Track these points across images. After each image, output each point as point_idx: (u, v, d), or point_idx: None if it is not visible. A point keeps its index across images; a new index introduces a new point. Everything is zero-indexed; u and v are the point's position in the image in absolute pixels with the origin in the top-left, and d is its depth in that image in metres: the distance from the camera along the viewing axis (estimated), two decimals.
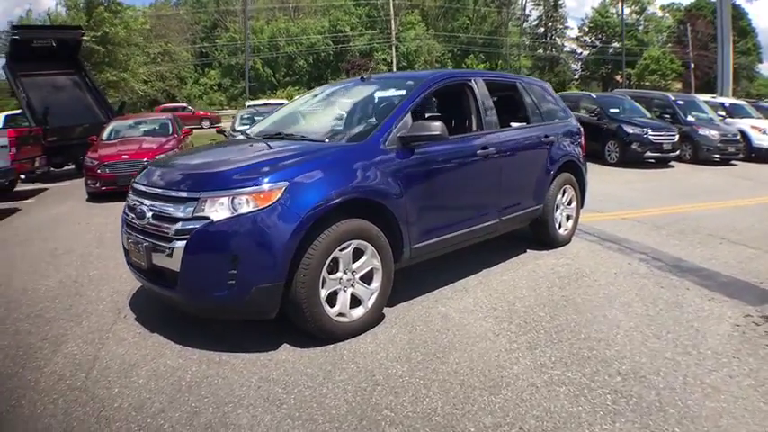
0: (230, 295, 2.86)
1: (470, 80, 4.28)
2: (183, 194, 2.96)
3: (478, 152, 4.01)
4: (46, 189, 10.26)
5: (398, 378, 2.74)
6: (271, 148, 3.48)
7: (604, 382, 2.67)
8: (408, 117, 3.55)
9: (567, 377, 2.72)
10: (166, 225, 2.97)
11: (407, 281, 4.07)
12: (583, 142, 5.53)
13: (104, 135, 9.55)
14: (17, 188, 9.54)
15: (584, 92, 16.10)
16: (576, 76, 52.62)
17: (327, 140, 3.45)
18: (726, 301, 3.76)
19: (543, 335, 3.22)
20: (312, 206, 2.90)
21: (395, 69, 44.07)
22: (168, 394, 2.63)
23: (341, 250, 3.08)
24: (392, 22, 46.63)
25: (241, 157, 3.25)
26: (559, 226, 5.16)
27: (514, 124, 4.72)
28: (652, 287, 4.03)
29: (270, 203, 2.84)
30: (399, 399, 2.56)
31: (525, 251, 5.02)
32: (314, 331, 3.05)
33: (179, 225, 2.90)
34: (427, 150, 3.59)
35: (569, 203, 5.27)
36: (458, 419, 2.40)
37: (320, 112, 4.26)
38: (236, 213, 2.82)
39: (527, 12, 54.71)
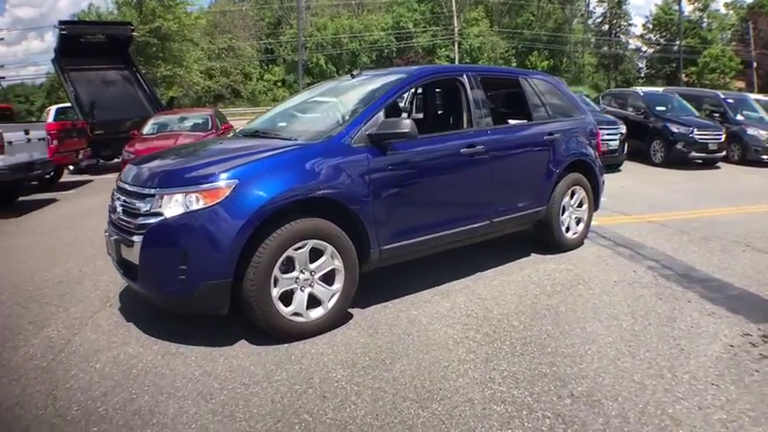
0: (181, 290, 2.84)
1: (461, 75, 4.02)
2: (145, 191, 2.97)
3: (463, 151, 3.75)
4: (90, 181, 10.71)
5: (334, 382, 2.61)
6: (237, 146, 3.43)
7: (550, 403, 2.39)
8: (380, 114, 3.37)
9: (510, 395, 2.47)
10: (131, 220, 2.99)
11: (390, 281, 3.91)
12: (599, 141, 5.08)
13: (145, 129, 9.72)
14: (63, 179, 9.90)
15: (632, 89, 14.94)
16: (642, 75, 49.33)
17: (296, 138, 3.34)
18: (727, 316, 3.29)
19: (507, 346, 2.96)
20: (260, 205, 2.81)
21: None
22: (116, 380, 2.66)
23: (296, 249, 2.97)
24: (455, 18, 45.64)
25: (204, 156, 3.22)
26: (567, 229, 4.77)
27: (512, 121, 4.39)
28: (649, 298, 3.61)
29: (218, 201, 2.78)
30: (325, 404, 2.43)
31: (529, 255, 4.69)
32: (266, 329, 2.97)
33: (139, 220, 2.92)
34: (401, 149, 3.39)
35: (579, 205, 4.86)
36: (375, 429, 2.23)
37: (306, 108, 4.15)
38: (186, 210, 2.79)
39: (591, 8, 51.80)
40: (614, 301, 3.58)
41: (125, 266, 3.15)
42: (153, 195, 2.89)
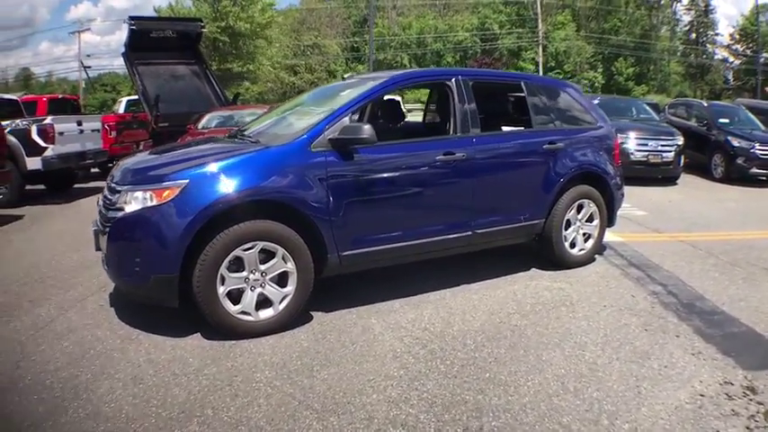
0: (135, 281, 2.94)
1: (449, 80, 3.75)
2: (116, 186, 3.08)
3: (439, 158, 3.49)
4: None
5: (254, 383, 2.56)
6: (210, 147, 3.45)
7: None
8: (345, 120, 3.22)
9: (415, 419, 2.26)
10: (105, 213, 3.12)
11: (367, 287, 3.78)
12: (617, 152, 4.53)
13: (200, 124, 9.48)
14: None
15: (697, 100, 13.28)
16: (729, 86, 44.07)
17: (264, 141, 3.29)
18: (715, 358, 2.77)
19: (444, 367, 2.71)
20: (205, 205, 2.82)
21: (541, 70, 41.33)
22: (72, 358, 2.79)
23: (245, 250, 2.94)
24: (539, 21, 43.51)
25: (173, 156, 3.28)
26: (572, 245, 4.31)
27: (507, 128, 4.02)
28: (633, 329, 3.15)
29: (168, 200, 2.83)
30: (232, 402, 2.39)
31: (529, 269, 4.30)
32: (214, 325, 2.98)
33: (110, 213, 3.03)
34: (366, 154, 3.24)
35: (589, 220, 4.37)
36: None
37: (295, 111, 4.07)
38: (141, 207, 2.86)
39: (678, 16, 47.04)
40: (591, 329, 3.16)
41: (103, 254, 3.29)
42: (119, 191, 2.99)
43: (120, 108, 12.51)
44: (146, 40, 9.83)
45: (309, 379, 2.60)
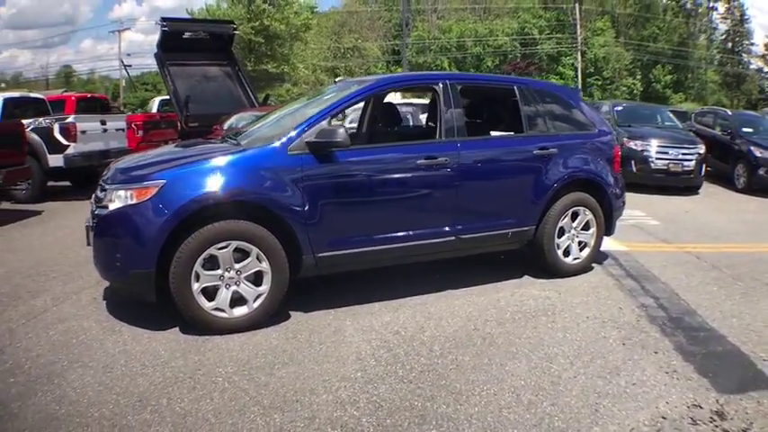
0: (117, 276, 3.04)
1: (436, 84, 3.67)
2: (105, 185, 3.18)
3: (420, 162, 3.42)
4: None
5: (213, 377, 2.59)
6: (195, 149, 3.51)
7: None
8: (324, 123, 3.21)
9: (356, 422, 2.23)
10: (94, 210, 3.22)
11: (351, 288, 3.74)
12: (617, 160, 4.30)
13: (226, 124, 9.29)
14: None
15: (723, 108, 12.44)
16: (765, 96, 41.37)
17: (246, 144, 3.31)
18: (689, 378, 2.58)
19: (403, 372, 2.65)
20: (180, 205, 2.87)
21: (579, 76, 40.15)
22: (54, 346, 2.90)
23: (219, 249, 2.97)
24: (577, 27, 42.22)
25: (160, 156, 3.35)
26: (566, 253, 4.13)
27: (495, 133, 3.88)
28: (611, 342, 2.98)
29: (145, 199, 2.90)
30: (187, 394, 2.43)
31: (521, 277, 4.15)
32: (189, 320, 3.03)
33: (97, 210, 3.13)
34: (344, 158, 3.22)
35: (585, 228, 4.17)
36: (205, 425, 2.17)
37: (287, 113, 4.06)
38: (122, 205, 2.95)
39: (714, 25, 44.51)
40: (566, 340, 3.01)
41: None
42: (106, 189, 3.09)
43: (154, 107, 12.64)
44: (178, 41, 9.73)
45: (267, 376, 2.60)
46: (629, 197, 8.09)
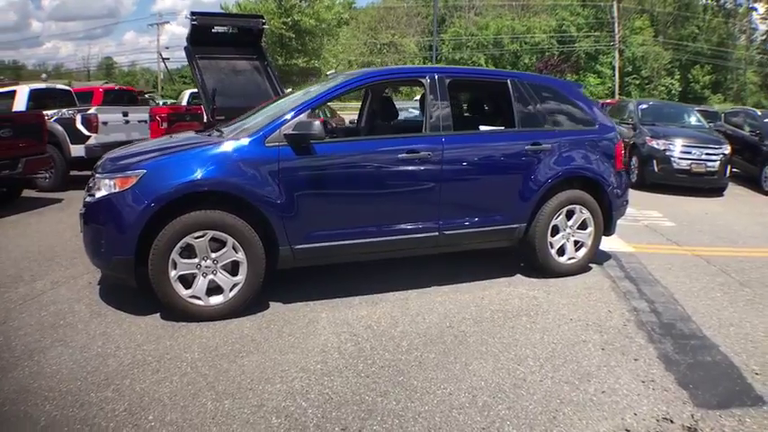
0: (102, 261, 3.08)
1: (423, 77, 3.54)
2: (95, 174, 3.22)
3: (402, 156, 3.30)
4: None
5: (179, 362, 2.59)
6: (180, 140, 3.51)
7: (326, 430, 1.99)
8: (303, 116, 3.14)
9: (302, 412, 2.17)
10: (84, 198, 3.27)
11: (336, 281, 3.69)
12: (618, 157, 4.02)
13: None
14: None
15: (753, 109, 11.45)
16: None
17: (224, 134, 3.28)
18: (666, 389, 2.36)
19: (363, 366, 2.57)
20: (157, 194, 2.88)
21: (617, 75, 38.55)
22: (42, 327, 2.97)
23: (196, 238, 2.97)
24: (615, 25, 40.44)
25: (145, 147, 3.38)
26: (561, 252, 3.90)
27: (485, 128, 3.69)
28: (589, 347, 2.78)
29: (126, 188, 2.92)
30: (150, 377, 2.45)
31: (514, 275, 3.95)
32: (166, 307, 3.05)
33: (87, 198, 3.19)
34: (322, 150, 3.15)
35: (582, 228, 3.93)
36: (158, 406, 2.16)
37: (276, 106, 3.96)
38: (107, 194, 2.98)
39: (754, 26, 41.51)
40: (542, 342, 2.83)
41: None
42: (96, 178, 3.14)
43: (184, 100, 12.78)
44: (207, 35, 9.52)
45: (229, 363, 2.58)
46: (649, 197, 7.82)
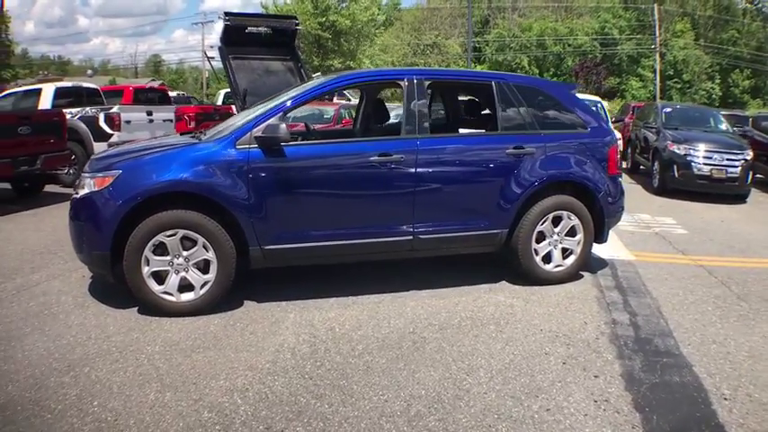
0: (83, 255, 3.18)
1: (401, 80, 3.43)
2: (82, 173, 3.32)
3: (374, 159, 3.21)
4: None
5: (138, 354, 2.63)
6: (162, 141, 3.55)
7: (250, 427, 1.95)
8: (274, 119, 3.11)
9: (235, 409, 2.15)
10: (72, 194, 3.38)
11: (314, 282, 3.64)
12: (612, 162, 3.76)
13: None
14: None
15: None
16: None
17: (201, 137, 3.30)
18: (619, 411, 2.17)
19: (311, 368, 2.52)
20: (130, 194, 2.94)
21: (658, 78, 36.66)
22: (28, 315, 3.08)
23: (168, 236, 3.00)
24: (656, 28, 38.41)
25: (129, 148, 3.44)
26: (547, 260, 3.69)
27: (464, 130, 3.53)
28: (550, 360, 2.61)
29: (103, 187, 3.00)
30: (109, 366, 2.50)
31: (498, 282, 3.77)
32: (140, 302, 3.10)
33: (73, 196, 3.29)
34: (292, 153, 3.12)
35: (570, 235, 3.69)
36: (105, 393, 2.19)
37: (257, 107, 3.94)
38: (87, 192, 3.07)
39: None
40: (502, 353, 2.67)
41: None
42: (81, 177, 3.24)
43: (219, 99, 12.89)
44: (241, 35, 9.26)
45: (184, 358, 2.59)
46: (667, 203, 7.35)
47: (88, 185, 3.10)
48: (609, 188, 3.76)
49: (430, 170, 3.36)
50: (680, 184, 7.23)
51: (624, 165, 9.76)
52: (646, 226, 5.65)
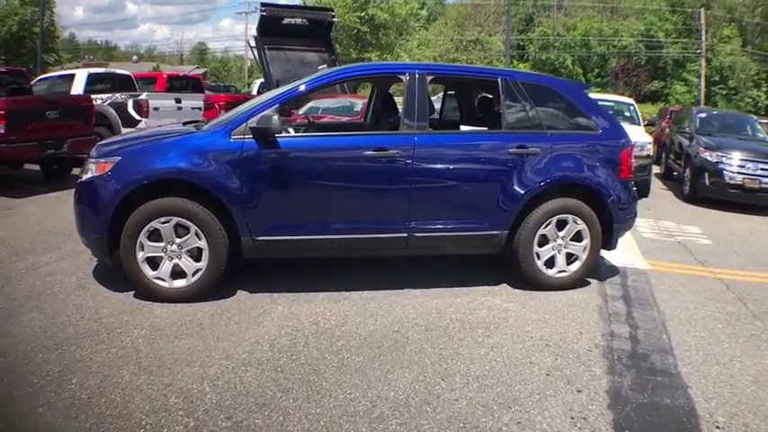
0: (84, 238, 3.23)
1: (402, 74, 3.31)
2: (88, 158, 3.38)
3: (368, 153, 3.12)
4: None
5: (124, 337, 2.65)
6: (164, 130, 3.56)
7: (214, 424, 1.91)
8: (270, 110, 3.07)
9: (201, 397, 2.12)
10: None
11: (310, 275, 3.58)
12: (624, 165, 3.51)
13: (302, 110, 8.54)
14: None
15: None
16: None
17: (202, 127, 3.29)
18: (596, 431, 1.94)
19: (285, 361, 2.47)
20: (127, 180, 2.97)
21: (702, 83, 34.73)
22: (31, 294, 3.15)
23: (162, 223, 3.02)
24: (702, 33, 36.28)
25: (131, 135, 3.48)
26: (550, 264, 3.49)
27: (465, 127, 3.37)
28: (534, 370, 2.45)
29: (103, 173, 3.03)
30: (94, 347, 2.53)
31: (499, 284, 3.60)
32: (135, 285, 3.12)
33: (79, 180, 3.35)
34: (286, 145, 3.08)
35: (576, 240, 3.48)
36: (85, 371, 2.19)
37: (259, 98, 3.92)
38: (90, 177, 3.12)
39: None
40: (484, 359, 2.53)
41: None
42: (87, 161, 3.30)
43: (254, 89, 13.02)
44: (277, 26, 9.41)
45: (166, 344, 2.59)
46: (696, 211, 6.91)
47: (90, 171, 3.16)
48: (619, 193, 3.51)
49: (426, 166, 3.23)
50: (711, 192, 6.75)
51: (657, 170, 9.27)
52: (668, 234, 5.29)
